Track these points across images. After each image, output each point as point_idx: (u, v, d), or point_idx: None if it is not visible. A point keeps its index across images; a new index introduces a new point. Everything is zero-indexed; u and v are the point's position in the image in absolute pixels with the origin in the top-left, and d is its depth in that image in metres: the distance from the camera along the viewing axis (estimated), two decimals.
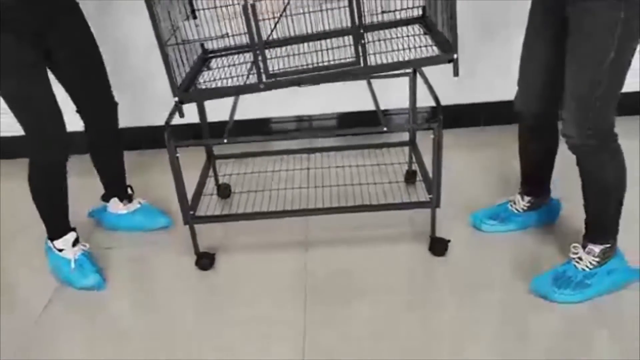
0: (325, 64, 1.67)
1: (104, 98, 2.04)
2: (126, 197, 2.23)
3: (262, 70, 1.60)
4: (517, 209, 2.02)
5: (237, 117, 2.06)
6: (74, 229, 2.03)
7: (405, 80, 2.08)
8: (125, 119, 2.18)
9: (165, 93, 1.68)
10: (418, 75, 1.99)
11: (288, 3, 1.66)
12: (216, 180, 2.34)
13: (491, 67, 2.61)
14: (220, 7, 1.72)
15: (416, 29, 1.86)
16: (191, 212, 1.95)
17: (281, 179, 2.31)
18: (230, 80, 1.73)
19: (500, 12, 2.50)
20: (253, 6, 1.54)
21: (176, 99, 1.65)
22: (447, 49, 1.62)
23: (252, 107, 2.28)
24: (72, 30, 1.88)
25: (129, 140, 2.49)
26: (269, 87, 1.61)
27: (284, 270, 1.97)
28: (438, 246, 1.96)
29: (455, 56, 1.58)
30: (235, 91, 1.79)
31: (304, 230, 2.12)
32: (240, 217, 2.07)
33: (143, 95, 2.61)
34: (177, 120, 1.74)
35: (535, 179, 1.99)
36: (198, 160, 2.24)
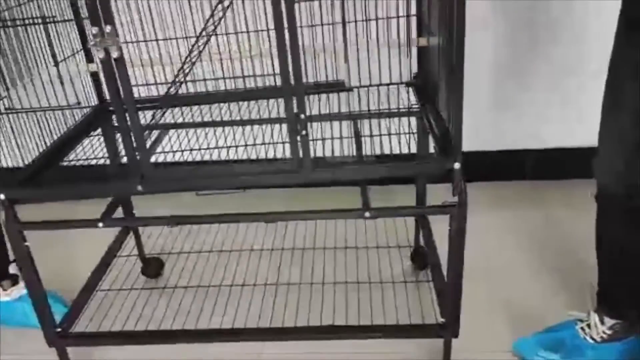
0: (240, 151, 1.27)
1: None
2: (7, 278, 1.76)
3: (140, 165, 1.18)
4: (592, 337, 1.41)
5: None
6: None
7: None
8: None
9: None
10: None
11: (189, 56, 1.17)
12: (139, 250, 1.76)
13: (529, 108, 2.12)
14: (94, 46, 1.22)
15: (405, 97, 1.46)
16: (58, 330, 1.31)
17: (231, 262, 1.75)
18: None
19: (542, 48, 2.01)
20: (121, 60, 1.00)
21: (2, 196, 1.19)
22: (448, 150, 1.16)
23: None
24: None
25: None
26: (149, 190, 1.25)
27: None
28: None
29: (457, 166, 1.13)
30: (95, 193, 1.38)
31: (258, 349, 1.50)
32: (150, 339, 1.41)
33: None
34: None
35: (623, 290, 1.39)
36: None
